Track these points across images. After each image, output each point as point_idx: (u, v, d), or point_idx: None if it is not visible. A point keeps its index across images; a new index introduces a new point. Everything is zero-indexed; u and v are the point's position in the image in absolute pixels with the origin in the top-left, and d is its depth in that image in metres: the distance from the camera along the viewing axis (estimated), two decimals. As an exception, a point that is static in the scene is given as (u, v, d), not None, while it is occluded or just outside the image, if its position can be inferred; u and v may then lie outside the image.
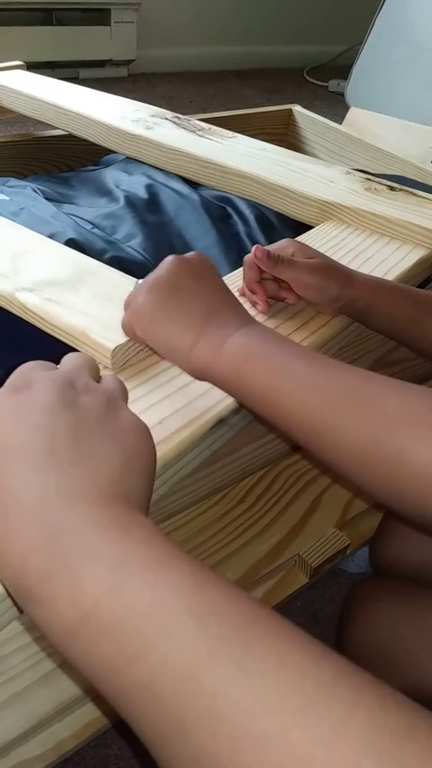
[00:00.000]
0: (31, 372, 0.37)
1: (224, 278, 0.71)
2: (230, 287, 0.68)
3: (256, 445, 0.81)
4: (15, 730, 0.62)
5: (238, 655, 0.25)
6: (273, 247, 0.64)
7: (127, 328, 0.55)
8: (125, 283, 0.63)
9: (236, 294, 0.68)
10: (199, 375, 0.51)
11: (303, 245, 0.65)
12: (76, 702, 0.65)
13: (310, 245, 0.78)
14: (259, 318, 0.65)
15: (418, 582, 0.71)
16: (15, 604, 0.38)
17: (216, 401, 0.54)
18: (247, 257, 0.65)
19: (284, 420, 0.46)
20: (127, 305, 0.56)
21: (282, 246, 0.64)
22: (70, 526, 0.29)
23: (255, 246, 0.64)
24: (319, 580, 0.85)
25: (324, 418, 0.43)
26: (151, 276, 0.53)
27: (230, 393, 0.51)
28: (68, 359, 0.41)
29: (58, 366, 0.40)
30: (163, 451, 0.49)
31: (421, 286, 0.83)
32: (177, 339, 0.51)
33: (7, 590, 0.31)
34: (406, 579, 0.73)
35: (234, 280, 0.69)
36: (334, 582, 0.88)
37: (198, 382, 0.55)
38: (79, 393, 0.36)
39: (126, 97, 1.18)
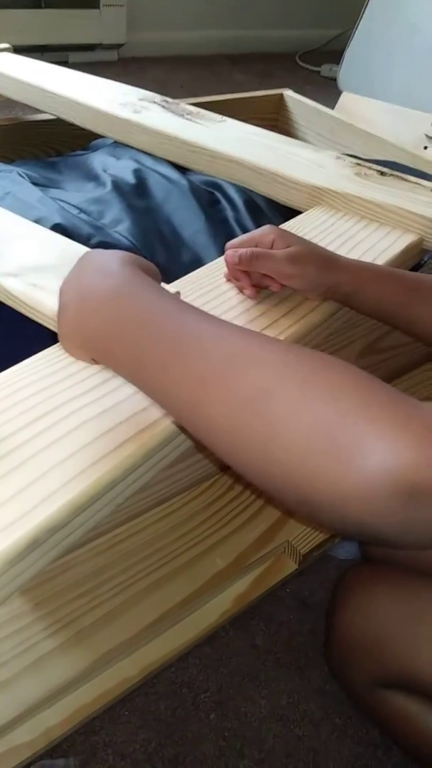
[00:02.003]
0: None
1: (211, 263, 0.71)
2: (217, 273, 0.68)
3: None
4: (3, 717, 0.62)
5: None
6: (253, 234, 0.64)
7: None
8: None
9: (223, 280, 0.67)
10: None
11: (283, 232, 0.64)
12: (65, 689, 0.65)
13: (299, 231, 0.78)
14: (249, 303, 0.64)
15: (407, 568, 0.71)
16: None
17: (202, 387, 0.53)
18: (228, 244, 0.65)
19: (155, 393, 0.44)
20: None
21: (263, 233, 0.64)
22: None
23: (226, 246, 0.65)
24: (308, 567, 0.85)
25: (191, 397, 0.40)
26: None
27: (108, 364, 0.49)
28: None
29: None
30: (148, 437, 0.48)
31: (413, 271, 0.82)
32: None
33: None
34: (395, 565, 0.73)
35: (221, 266, 0.68)
36: (324, 568, 0.88)
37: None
38: None
39: (116, 81, 1.16)
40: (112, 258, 0.51)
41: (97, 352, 0.50)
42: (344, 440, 0.32)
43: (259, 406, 0.36)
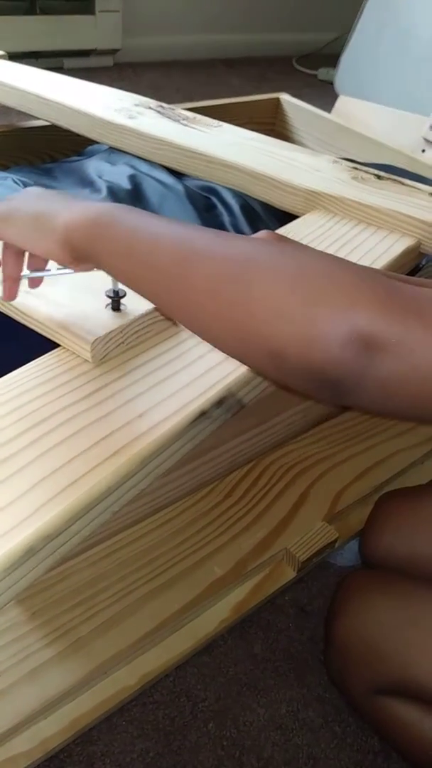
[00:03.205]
0: None
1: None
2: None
3: (243, 438, 0.81)
4: (0, 727, 0.61)
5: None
6: None
7: None
8: (105, 274, 0.62)
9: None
10: (67, 240, 0.48)
11: (279, 236, 0.64)
12: (62, 698, 0.65)
13: (296, 235, 0.77)
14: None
15: (407, 574, 0.71)
16: None
17: (198, 394, 0.53)
18: None
19: (145, 268, 0.44)
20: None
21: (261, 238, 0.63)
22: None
23: None
24: (307, 574, 0.85)
25: (181, 255, 0.43)
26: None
27: (97, 257, 0.48)
28: None
29: None
30: (144, 444, 0.48)
31: (410, 275, 0.82)
32: (42, 213, 0.49)
33: None
34: (395, 571, 0.73)
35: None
36: (323, 575, 0.88)
37: (179, 376, 0.54)
38: None
39: (112, 86, 1.16)
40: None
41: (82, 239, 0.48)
42: (318, 292, 0.37)
43: (241, 269, 0.40)
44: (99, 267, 0.49)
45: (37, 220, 0.49)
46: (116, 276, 0.48)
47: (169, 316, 0.46)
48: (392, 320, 0.34)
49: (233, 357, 0.43)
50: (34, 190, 0.54)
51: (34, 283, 0.59)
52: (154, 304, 0.48)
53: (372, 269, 0.40)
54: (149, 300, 0.47)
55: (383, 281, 0.37)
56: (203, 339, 0.44)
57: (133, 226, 0.45)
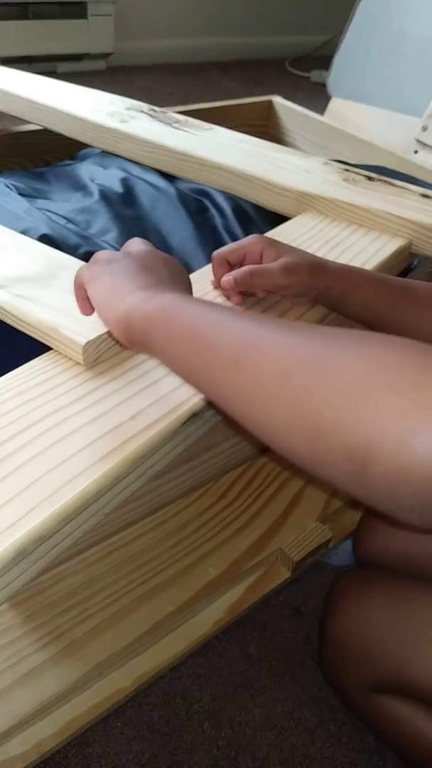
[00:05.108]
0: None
1: (199, 271, 0.71)
2: (205, 280, 0.68)
3: (236, 440, 0.81)
4: (-4, 730, 0.61)
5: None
6: (241, 244, 0.64)
7: (79, 274, 0.54)
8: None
9: (211, 287, 0.67)
10: (123, 316, 0.48)
11: (272, 241, 0.65)
12: (58, 700, 0.65)
13: (288, 237, 0.78)
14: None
15: (401, 573, 0.71)
16: None
17: (189, 395, 0.53)
18: (215, 254, 0.65)
19: (207, 352, 0.41)
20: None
21: (251, 242, 0.64)
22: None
23: (213, 255, 0.65)
24: (301, 574, 0.85)
25: (248, 340, 0.39)
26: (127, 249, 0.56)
27: (152, 342, 0.46)
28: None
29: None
30: (136, 446, 0.48)
31: (402, 275, 0.82)
32: (118, 288, 0.50)
33: None
34: (389, 570, 0.73)
35: (209, 273, 0.68)
36: (317, 575, 0.88)
37: (171, 378, 0.55)
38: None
39: (105, 90, 1.17)
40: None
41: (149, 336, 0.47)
42: (413, 378, 0.30)
43: (317, 353, 0.35)
44: (152, 354, 0.48)
45: (113, 293, 0.49)
46: (170, 364, 0.46)
47: (228, 409, 0.40)
48: None
49: (303, 465, 0.35)
50: (127, 259, 0.53)
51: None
52: (211, 396, 0.43)
53: None
54: (206, 391, 0.44)
55: None
56: (265, 440, 0.37)
57: (196, 313, 0.44)
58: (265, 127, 1.53)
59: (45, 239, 0.74)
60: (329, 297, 0.64)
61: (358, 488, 0.31)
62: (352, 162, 1.08)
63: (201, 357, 0.42)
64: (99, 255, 0.56)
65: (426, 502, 0.28)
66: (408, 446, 0.28)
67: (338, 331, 0.37)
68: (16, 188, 0.88)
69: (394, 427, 0.29)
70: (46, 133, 1.14)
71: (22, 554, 0.42)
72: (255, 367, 0.37)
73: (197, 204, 0.91)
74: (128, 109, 1.08)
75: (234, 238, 0.85)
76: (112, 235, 0.80)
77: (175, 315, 0.45)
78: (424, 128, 1.51)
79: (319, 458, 0.33)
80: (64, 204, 0.86)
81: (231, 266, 0.65)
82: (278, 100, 1.50)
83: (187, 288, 0.54)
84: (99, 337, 0.55)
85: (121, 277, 0.50)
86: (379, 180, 0.91)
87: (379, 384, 0.30)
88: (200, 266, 0.74)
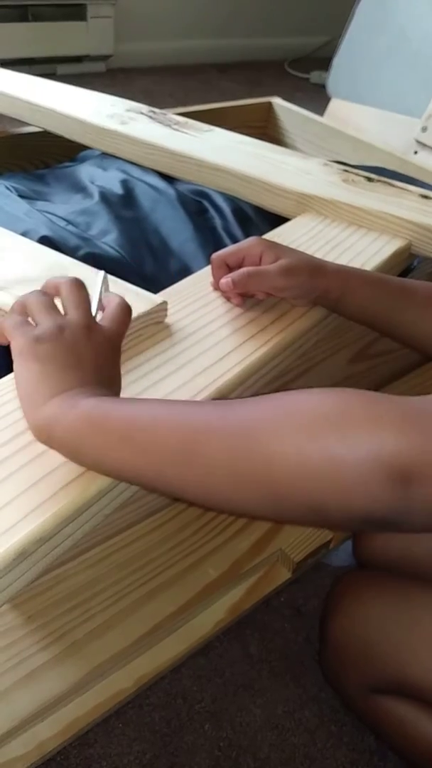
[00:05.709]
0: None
1: (198, 273, 0.71)
2: (204, 282, 0.69)
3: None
4: (-3, 731, 0.61)
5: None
6: (240, 246, 0.65)
7: (3, 327, 0.50)
8: (94, 281, 0.62)
9: (210, 289, 0.68)
10: (44, 426, 0.46)
11: (271, 243, 0.65)
12: (59, 701, 0.65)
13: (288, 238, 0.78)
14: (237, 312, 0.65)
15: (401, 574, 0.71)
16: None
17: (189, 396, 0.54)
18: (214, 256, 0.66)
19: (149, 453, 0.42)
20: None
21: (250, 245, 0.64)
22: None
23: (212, 258, 0.65)
24: (302, 575, 0.85)
25: (188, 431, 0.41)
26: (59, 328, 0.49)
27: (84, 452, 0.45)
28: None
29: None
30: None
31: (402, 276, 0.82)
32: (40, 384, 0.46)
33: None
34: (389, 571, 0.73)
35: (208, 275, 0.68)
36: (318, 576, 0.88)
37: (170, 380, 0.55)
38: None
39: (104, 92, 1.17)
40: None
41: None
42: (338, 450, 0.35)
43: (252, 431, 0.39)
44: (80, 461, 0.46)
45: (35, 390, 0.47)
46: (106, 469, 0.44)
47: (182, 496, 0.42)
48: (416, 446, 0.34)
49: (270, 519, 0.41)
50: (57, 343, 0.48)
51: None
52: (160, 490, 0.44)
53: (367, 396, 0.38)
54: (151, 487, 0.44)
55: (391, 405, 0.36)
56: (227, 510, 0.42)
57: (125, 416, 0.43)
58: (264, 128, 1.53)
59: (45, 241, 0.74)
60: (329, 298, 0.65)
61: (325, 527, 0.39)
62: (352, 163, 1.08)
63: (144, 459, 0.42)
64: (32, 310, 0.51)
65: (371, 524, 0.37)
66: (348, 498, 0.36)
67: (264, 397, 0.41)
68: (16, 190, 0.88)
69: (332, 488, 0.36)
70: (45, 135, 1.14)
71: (22, 555, 0.42)
72: (203, 456, 0.40)
73: (197, 205, 0.91)
74: (128, 110, 1.08)
75: (234, 240, 0.85)
76: (112, 237, 0.80)
77: (103, 422, 0.43)
78: (424, 129, 1.51)
79: (285, 515, 0.41)
80: (64, 206, 0.87)
81: (230, 268, 0.65)
82: (278, 102, 1.51)
83: (113, 381, 0.51)
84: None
85: (46, 368, 0.47)
86: (378, 181, 0.92)
87: (308, 450, 0.37)
88: (200, 267, 0.74)
